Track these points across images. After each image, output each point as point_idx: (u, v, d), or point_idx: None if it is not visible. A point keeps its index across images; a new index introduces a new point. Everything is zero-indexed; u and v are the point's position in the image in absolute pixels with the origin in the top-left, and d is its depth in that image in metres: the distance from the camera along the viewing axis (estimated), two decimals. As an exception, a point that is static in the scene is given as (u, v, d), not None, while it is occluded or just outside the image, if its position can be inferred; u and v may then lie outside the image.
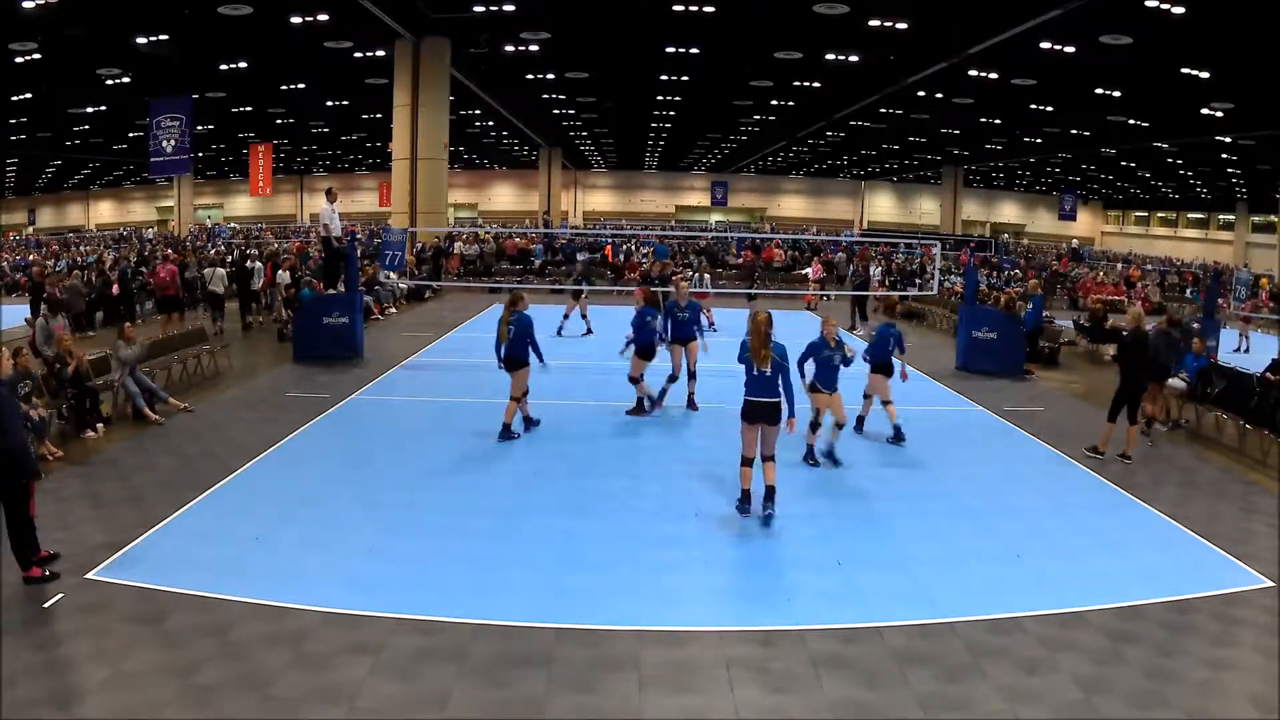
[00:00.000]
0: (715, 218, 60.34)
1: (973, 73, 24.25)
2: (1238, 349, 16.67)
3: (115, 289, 17.63)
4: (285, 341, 14.67)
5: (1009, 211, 61.46)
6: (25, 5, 17.64)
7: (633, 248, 29.20)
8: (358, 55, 24.97)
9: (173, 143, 20.82)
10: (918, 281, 23.54)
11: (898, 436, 9.18)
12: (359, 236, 25.73)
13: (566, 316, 16.34)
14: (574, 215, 60.46)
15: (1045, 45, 20.06)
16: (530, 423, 9.46)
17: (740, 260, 28.14)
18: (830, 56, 23.84)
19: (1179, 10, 16.37)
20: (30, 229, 51.45)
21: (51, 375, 9.29)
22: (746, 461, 6.93)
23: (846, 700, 4.50)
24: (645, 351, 10.10)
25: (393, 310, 19.66)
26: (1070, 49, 20.31)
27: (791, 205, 62.26)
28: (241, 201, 58.63)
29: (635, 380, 10.17)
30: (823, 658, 4.90)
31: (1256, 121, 25.65)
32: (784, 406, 6.75)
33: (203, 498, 7.22)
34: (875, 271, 22.76)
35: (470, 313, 19.35)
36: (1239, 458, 9.34)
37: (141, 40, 21.28)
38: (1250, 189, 41.54)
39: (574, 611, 5.33)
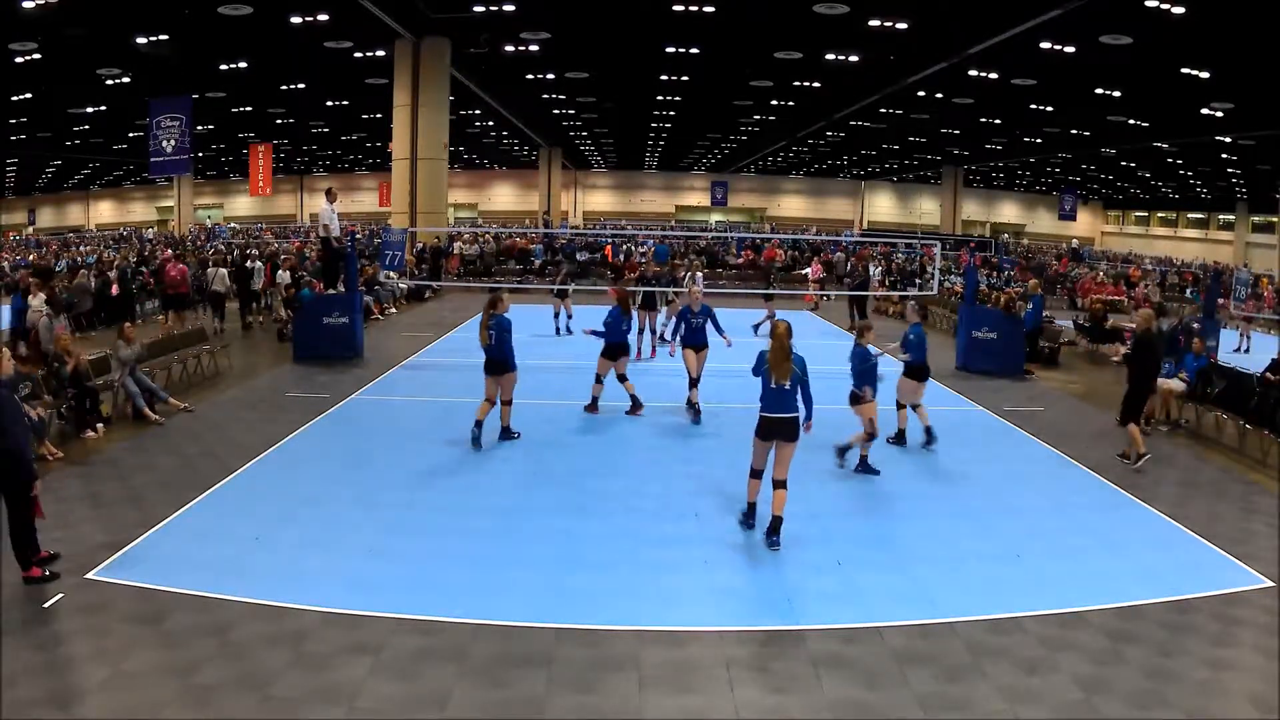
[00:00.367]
0: (715, 218, 60.35)
1: (973, 73, 24.24)
2: (1238, 349, 16.67)
3: (115, 289, 17.63)
4: (285, 341, 14.68)
5: (1009, 211, 61.47)
6: (25, 5, 17.64)
7: (632, 248, 29.19)
8: (358, 55, 24.97)
9: (173, 143, 20.80)
10: (918, 281, 23.53)
11: (928, 436, 9.03)
12: (359, 236, 25.74)
13: (557, 315, 16.61)
14: (574, 215, 60.46)
15: (1045, 45, 20.05)
16: (504, 434, 9.04)
17: (740, 260, 28.18)
18: (830, 56, 23.83)
19: (1179, 10, 16.37)
20: (30, 229, 51.45)
21: (51, 375, 9.29)
22: (755, 473, 6.61)
23: (846, 700, 4.50)
24: (610, 350, 10.15)
25: (393, 310, 19.67)
26: (1070, 49, 20.31)
27: (791, 205, 62.27)
28: (241, 201, 58.64)
29: (625, 380, 10.27)
30: (823, 658, 4.90)
31: (1256, 121, 25.65)
32: (801, 414, 6.45)
33: (203, 498, 7.22)
34: (875, 271, 22.77)
35: (470, 313, 19.33)
36: (1239, 458, 9.34)
37: (141, 40, 21.28)
38: (1250, 189, 41.54)
39: (574, 611, 5.33)
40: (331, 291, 14.72)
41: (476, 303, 20.71)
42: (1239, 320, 18.34)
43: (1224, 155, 33.84)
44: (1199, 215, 51.18)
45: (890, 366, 9.07)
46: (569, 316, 16.60)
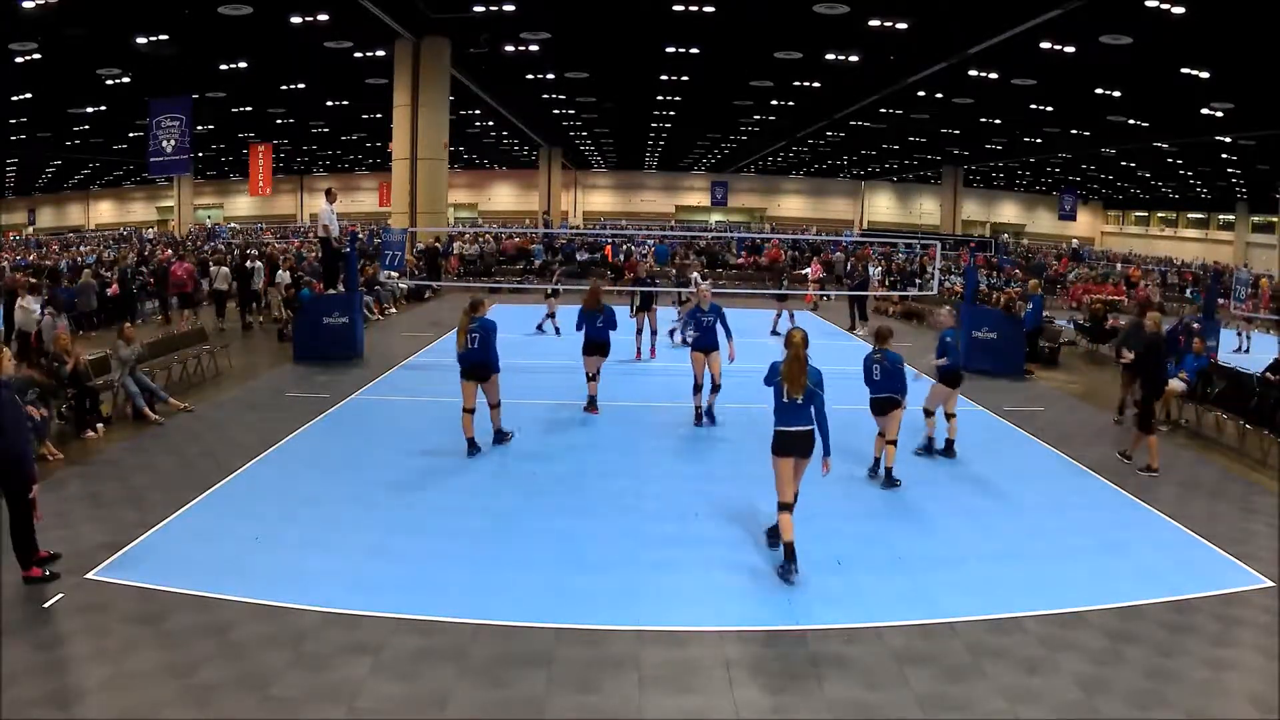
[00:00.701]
0: (715, 218, 60.35)
1: (973, 73, 24.25)
2: (1238, 349, 16.66)
3: (115, 289, 17.64)
4: (285, 341, 14.69)
5: (1009, 211, 61.45)
6: (25, 5, 17.64)
7: (631, 248, 29.20)
8: (358, 55, 24.97)
9: (173, 143, 20.82)
10: (918, 281, 23.54)
11: (949, 449, 8.79)
12: (360, 237, 25.72)
13: (549, 316, 16.72)
14: (574, 215, 60.45)
15: (1045, 45, 20.05)
16: (498, 438, 8.83)
17: (741, 260, 28.17)
18: (830, 56, 23.83)
19: (1179, 10, 16.37)
20: (30, 229, 51.42)
21: (49, 375, 9.29)
22: (785, 507, 5.91)
23: (846, 700, 4.50)
24: (590, 348, 10.17)
25: (392, 310, 19.67)
26: (1070, 49, 20.30)
27: (791, 205, 62.25)
28: (241, 201, 58.62)
29: (591, 379, 10.27)
30: (823, 658, 4.90)
31: (1256, 121, 25.64)
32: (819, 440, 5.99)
33: (203, 498, 7.23)
34: (875, 271, 22.77)
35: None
36: (1239, 458, 9.34)
37: (141, 40, 21.28)
38: (1250, 189, 41.53)
39: (574, 611, 5.33)
40: (331, 291, 14.72)
41: (476, 303, 20.75)
42: (1239, 320, 18.32)
43: (1224, 155, 33.83)
44: (1199, 215, 51.16)
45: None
46: (548, 316, 16.73)
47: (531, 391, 11.07)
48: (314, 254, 22.12)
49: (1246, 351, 16.44)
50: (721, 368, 9.71)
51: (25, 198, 55.12)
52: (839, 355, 11.59)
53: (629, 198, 63.29)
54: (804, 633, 5.17)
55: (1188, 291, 27.70)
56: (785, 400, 5.96)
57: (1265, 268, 32.47)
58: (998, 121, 33.82)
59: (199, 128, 30.88)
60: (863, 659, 4.89)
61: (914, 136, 40.78)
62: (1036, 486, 8.10)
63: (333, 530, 6.57)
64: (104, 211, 59.54)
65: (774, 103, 33.47)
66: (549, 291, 17.16)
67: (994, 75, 24.52)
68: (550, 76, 29.22)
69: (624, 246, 29.18)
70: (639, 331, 14.16)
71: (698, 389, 9.81)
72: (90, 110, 31.31)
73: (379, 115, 34.06)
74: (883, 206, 62.98)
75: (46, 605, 5.31)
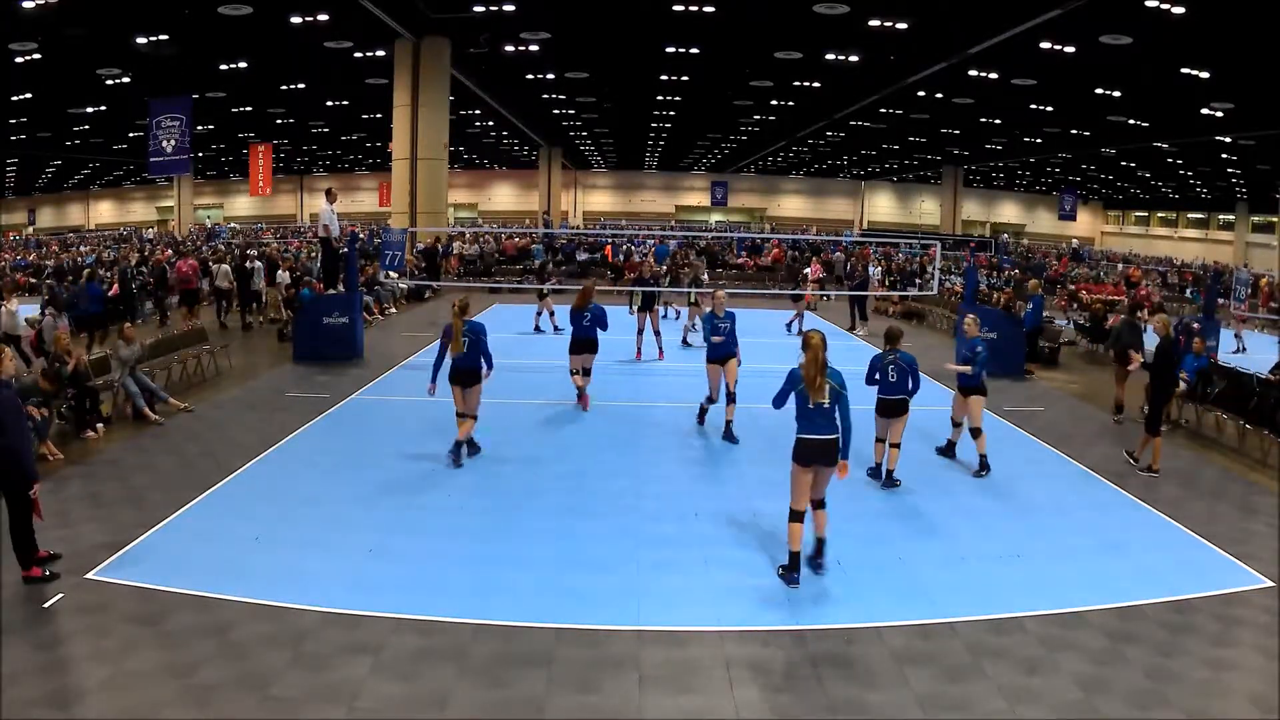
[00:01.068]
0: (715, 218, 60.35)
1: (973, 73, 24.24)
2: (1236, 350, 16.64)
3: (115, 289, 17.63)
4: (285, 341, 14.68)
5: (1009, 211, 61.45)
6: (25, 5, 17.64)
7: (632, 248, 29.20)
8: (358, 55, 24.97)
9: (173, 143, 20.81)
10: (918, 282, 23.54)
11: (983, 466, 8.41)
12: (360, 237, 25.71)
13: (542, 314, 16.89)
14: (574, 215, 60.46)
15: (1045, 45, 20.05)
16: (473, 447, 8.54)
17: (741, 261, 28.15)
18: (830, 56, 23.83)
19: (1179, 10, 16.37)
20: (30, 229, 51.43)
21: (51, 378, 9.28)
22: (797, 516, 5.79)
23: (846, 700, 4.50)
24: (576, 345, 10.27)
25: (392, 310, 19.67)
26: (1070, 49, 20.30)
27: (791, 205, 62.25)
28: (241, 201, 58.63)
29: (574, 374, 10.32)
30: (823, 658, 4.90)
31: (1256, 121, 25.64)
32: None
33: (203, 498, 7.23)
34: (875, 271, 22.77)
35: (470, 313, 19.31)
36: (1239, 458, 9.35)
37: (141, 40, 21.29)
38: (1250, 189, 41.53)
39: (574, 611, 5.33)
40: (331, 291, 14.73)
41: (476, 303, 20.67)
42: (1236, 321, 18.31)
43: (1224, 155, 33.83)
44: (1199, 215, 51.16)
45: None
46: (540, 314, 16.95)
47: (531, 391, 11.08)
48: (306, 255, 22.19)
49: (1242, 351, 16.44)
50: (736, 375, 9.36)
51: (25, 198, 55.15)
52: (839, 355, 11.51)
53: (629, 198, 63.29)
54: (804, 633, 5.17)
55: (1188, 291, 27.71)
56: (810, 406, 5.71)
57: (1265, 268, 32.44)
58: (998, 121, 33.82)
59: (199, 128, 30.88)
60: (863, 659, 4.89)
61: (914, 136, 40.77)
62: (1036, 487, 8.11)
63: (333, 530, 6.57)
64: (104, 211, 59.55)
65: (774, 103, 33.47)
66: (542, 292, 17.22)
67: (994, 75, 24.51)
68: (550, 76, 29.23)
69: (624, 247, 29.19)
70: (640, 331, 14.17)
71: (711, 402, 9.41)
72: (90, 110, 31.32)
73: (379, 115, 34.07)
74: (883, 206, 62.98)
75: (46, 605, 5.31)
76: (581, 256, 26.95)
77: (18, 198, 55.00)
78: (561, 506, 7.18)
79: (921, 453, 8.98)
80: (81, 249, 31.83)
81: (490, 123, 41.51)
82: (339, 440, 9.28)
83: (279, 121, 38.31)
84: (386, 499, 7.31)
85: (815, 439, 5.70)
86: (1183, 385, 10.74)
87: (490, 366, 8.42)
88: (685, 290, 17.16)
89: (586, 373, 10.48)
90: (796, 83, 28.67)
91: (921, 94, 28.65)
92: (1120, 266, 34.95)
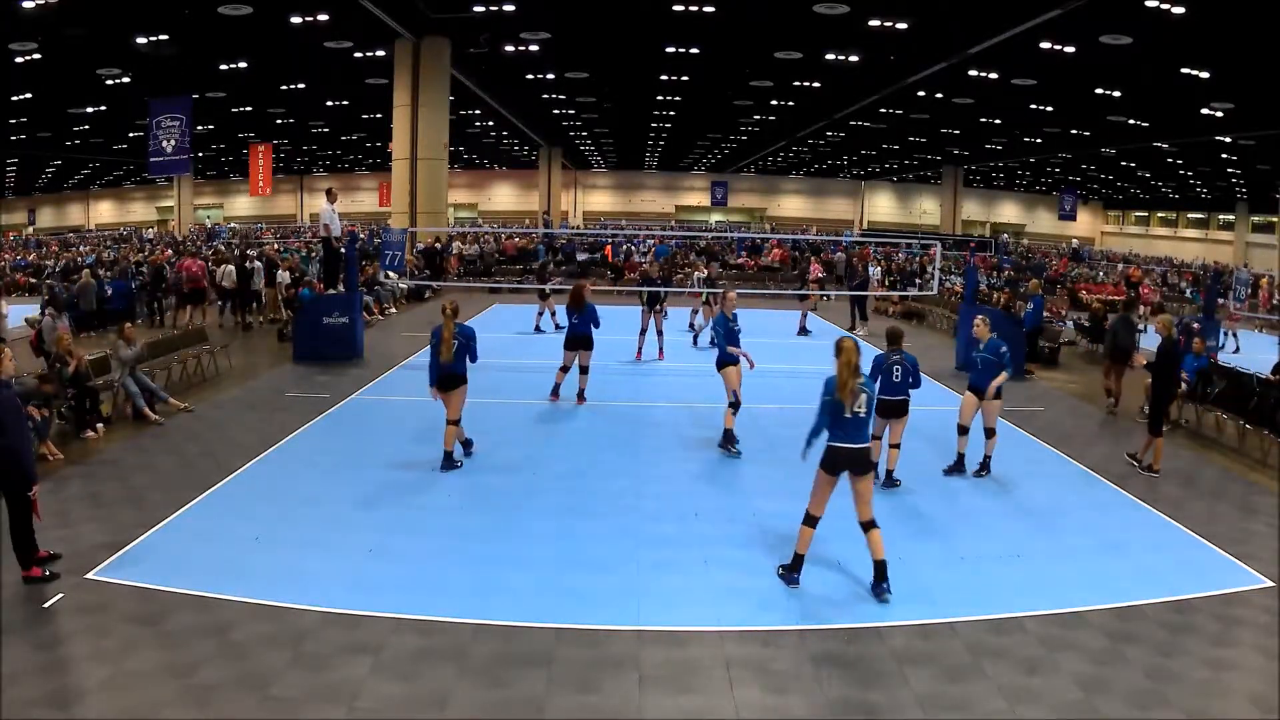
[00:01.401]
0: (715, 218, 60.36)
1: (973, 73, 24.25)
2: (1235, 350, 16.64)
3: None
4: (285, 341, 14.68)
5: (1009, 211, 61.46)
6: (25, 5, 17.65)
7: (631, 248, 29.21)
8: (358, 55, 24.99)
9: (173, 143, 20.83)
10: (918, 281, 23.54)
11: (984, 467, 8.31)
12: (361, 238, 25.73)
13: (543, 314, 16.98)
14: (574, 215, 60.46)
15: (1045, 45, 20.06)
16: (468, 445, 8.49)
17: (741, 261, 28.17)
18: (830, 56, 23.84)
19: (1179, 10, 16.38)
20: (30, 229, 51.44)
21: (51, 380, 9.28)
22: (811, 520, 5.75)
23: (846, 700, 4.50)
24: (570, 342, 10.41)
25: (392, 310, 19.67)
26: (1070, 49, 20.31)
27: (791, 205, 62.26)
28: (241, 201, 58.64)
29: (563, 369, 10.39)
30: (823, 658, 4.90)
31: (1256, 121, 25.64)
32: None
33: (203, 498, 7.22)
34: (875, 271, 22.77)
35: (470, 313, 19.30)
36: (1239, 458, 9.35)
37: (141, 40, 21.29)
38: (1250, 189, 41.53)
39: (574, 611, 5.33)
40: (331, 291, 14.73)
41: (476, 303, 20.77)
42: (1233, 322, 18.31)
43: (1224, 155, 33.84)
44: (1199, 215, 51.17)
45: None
46: (541, 314, 17.05)
47: (531, 391, 11.07)
48: (298, 256, 22.19)
49: (1236, 351, 16.45)
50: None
51: (25, 198, 55.17)
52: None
53: (629, 198, 63.30)
54: (804, 633, 5.17)
55: (1188, 291, 27.71)
56: (847, 415, 5.59)
57: (1265, 268, 32.45)
58: (998, 121, 33.83)
59: (199, 128, 30.88)
60: (862, 659, 4.89)
61: (914, 136, 40.79)
62: (1036, 487, 8.10)
63: (333, 530, 6.57)
64: (104, 211, 59.56)
65: (774, 103, 33.49)
66: (543, 292, 17.24)
67: (994, 75, 24.52)
68: (550, 76, 29.24)
69: (624, 247, 29.20)
70: (642, 331, 14.17)
71: (736, 407, 8.90)
72: (90, 110, 31.33)
73: (379, 115, 34.07)
74: (883, 206, 62.99)
75: (46, 605, 5.31)
76: (581, 257, 26.95)
77: (18, 198, 55.01)
78: (561, 506, 7.18)
79: (922, 453, 8.97)
80: (82, 249, 31.86)
81: (490, 123, 41.51)
82: (339, 440, 9.28)
83: (279, 121, 38.33)
84: (386, 499, 7.30)
85: (847, 448, 5.61)
86: (1183, 385, 10.76)
87: (473, 359, 8.21)
88: (685, 290, 17.19)
89: (584, 370, 10.53)
90: (796, 83, 28.68)
91: (921, 94, 28.66)
92: (1120, 266, 34.93)
